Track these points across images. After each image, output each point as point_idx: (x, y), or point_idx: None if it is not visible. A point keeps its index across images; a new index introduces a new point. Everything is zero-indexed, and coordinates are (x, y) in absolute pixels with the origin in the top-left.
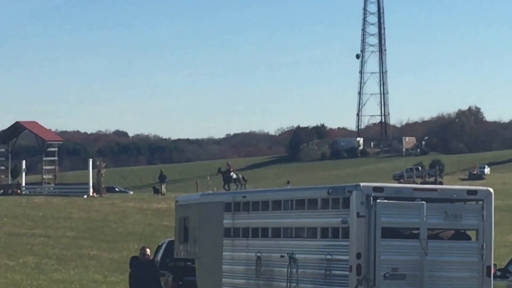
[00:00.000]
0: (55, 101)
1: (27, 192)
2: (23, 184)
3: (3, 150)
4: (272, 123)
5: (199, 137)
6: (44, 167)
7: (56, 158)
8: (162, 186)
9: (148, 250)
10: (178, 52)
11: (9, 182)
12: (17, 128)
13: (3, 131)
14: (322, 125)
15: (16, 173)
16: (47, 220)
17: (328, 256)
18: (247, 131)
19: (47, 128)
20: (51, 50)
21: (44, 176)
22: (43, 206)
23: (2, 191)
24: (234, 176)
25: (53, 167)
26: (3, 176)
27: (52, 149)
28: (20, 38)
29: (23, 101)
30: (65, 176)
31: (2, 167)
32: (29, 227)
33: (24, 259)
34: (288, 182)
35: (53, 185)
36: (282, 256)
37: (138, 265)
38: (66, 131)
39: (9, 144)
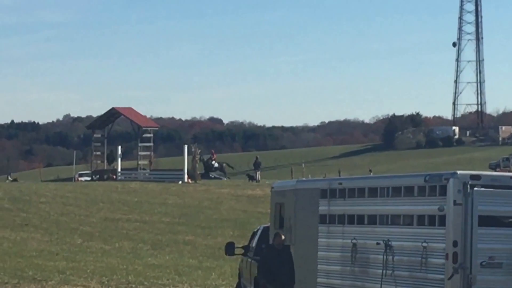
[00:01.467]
0: (151, 88)
1: (123, 177)
2: (119, 169)
3: (99, 135)
4: (367, 111)
5: (294, 124)
6: (140, 153)
7: (151, 144)
8: (257, 173)
9: (283, 237)
10: (273, 40)
11: (105, 168)
12: (113, 114)
13: (99, 117)
14: (417, 114)
15: (111, 158)
16: (142, 205)
17: (424, 244)
18: (342, 119)
19: (143, 114)
20: (148, 37)
21: (139, 162)
22: (139, 191)
23: (98, 176)
24: (216, 165)
25: (148, 153)
26: (99, 162)
27: (148, 135)
28: (118, 25)
29: (119, 87)
30: (160, 162)
31: (98, 153)
32: (125, 212)
33: (119, 244)
34: (370, 171)
35: (148, 171)
36: (378, 243)
37: (272, 252)
38: (161, 118)
39: (105, 130)
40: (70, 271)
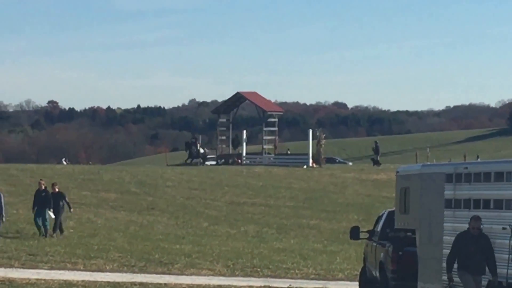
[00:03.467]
0: (276, 72)
1: (248, 162)
2: (244, 154)
3: (224, 120)
4: (493, 95)
5: (419, 109)
6: (265, 137)
7: (276, 128)
8: (377, 157)
9: (480, 221)
10: (399, 24)
11: (230, 152)
12: (238, 98)
13: (225, 101)
14: None
15: (237, 143)
16: (267, 189)
17: None
18: (467, 103)
19: (267, 98)
20: (273, 21)
21: (264, 146)
22: (264, 175)
23: (223, 160)
24: (201, 150)
25: (273, 137)
26: (224, 146)
27: (272, 119)
28: (241, 10)
29: (244, 72)
30: (284, 147)
31: (223, 137)
32: (250, 196)
33: (245, 227)
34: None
35: (273, 155)
36: (504, 228)
37: (467, 239)
38: (286, 102)
39: (230, 115)
40: (196, 254)
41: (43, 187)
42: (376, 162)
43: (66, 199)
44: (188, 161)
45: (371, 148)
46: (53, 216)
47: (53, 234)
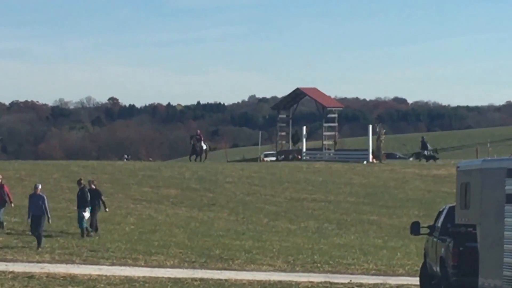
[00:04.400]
0: (336, 68)
1: (308, 157)
2: (304, 149)
3: (284, 116)
4: None
5: (479, 104)
6: (324, 133)
7: (336, 124)
8: (426, 152)
9: None
10: (459, 18)
11: (290, 148)
12: (297, 94)
13: (285, 97)
14: None
15: (296, 138)
16: (327, 185)
17: None
18: None
19: (327, 94)
20: (333, 16)
21: (324, 142)
22: (323, 171)
23: (283, 156)
24: (204, 146)
25: (333, 133)
26: (284, 142)
27: (332, 115)
28: (301, 6)
29: (304, 67)
30: (344, 142)
31: (283, 133)
32: (310, 192)
33: (305, 223)
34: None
35: (333, 151)
36: None
37: None
38: (345, 98)
39: (290, 111)
40: (256, 250)
41: (81, 186)
42: (431, 157)
43: (102, 197)
44: (193, 158)
45: (421, 143)
46: (87, 215)
47: (90, 232)
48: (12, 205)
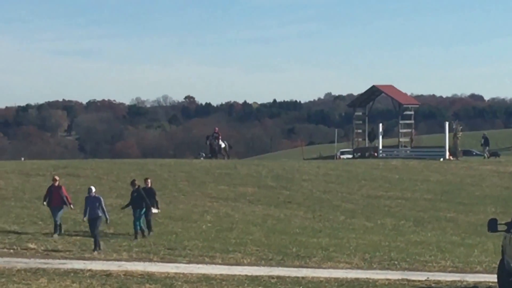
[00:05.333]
0: (411, 65)
1: (384, 155)
2: (380, 147)
3: (360, 113)
4: None
5: None
6: (401, 130)
7: (412, 121)
8: (486, 149)
9: None
10: None
11: (366, 145)
12: (373, 92)
13: (360, 95)
14: None
15: (373, 136)
16: (404, 182)
17: None
18: None
19: (403, 92)
20: (408, 13)
21: (400, 139)
22: (400, 169)
23: (359, 154)
24: (223, 145)
25: (409, 130)
26: (360, 139)
27: (409, 112)
28: (378, 3)
29: (380, 65)
30: (421, 139)
31: (359, 131)
32: (386, 189)
33: (381, 220)
34: None
35: (409, 148)
36: None
37: None
38: (422, 95)
39: (366, 108)
40: (333, 247)
41: (136, 186)
42: (494, 154)
43: (156, 196)
44: (209, 156)
45: (483, 140)
46: (155, 211)
47: (148, 232)
48: (72, 206)
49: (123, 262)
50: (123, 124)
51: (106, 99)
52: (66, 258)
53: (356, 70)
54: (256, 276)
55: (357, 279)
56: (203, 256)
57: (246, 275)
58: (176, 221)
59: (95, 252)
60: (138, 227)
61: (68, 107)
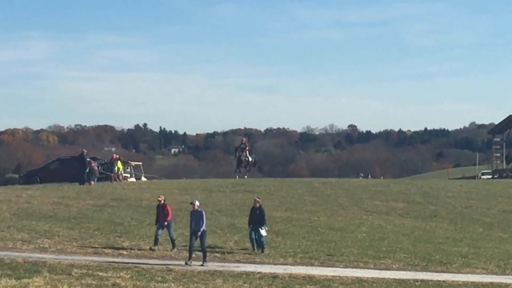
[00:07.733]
0: None
1: None
2: None
3: (498, 139)
4: None
5: None
6: None
7: None
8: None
9: None
10: None
11: (504, 167)
12: (510, 120)
13: (499, 123)
14: None
15: (509, 159)
16: None
17: None
18: None
19: None
20: None
21: None
22: None
23: (497, 175)
24: (250, 158)
25: None
26: (498, 162)
27: None
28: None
29: None
30: None
31: (498, 154)
32: None
33: None
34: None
35: None
36: None
37: None
38: None
39: (504, 134)
40: (471, 255)
41: (257, 205)
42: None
43: (265, 216)
44: (237, 172)
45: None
46: (264, 234)
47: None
48: (166, 223)
49: (288, 266)
50: (295, 149)
51: (281, 127)
52: (239, 261)
53: (497, 102)
54: (403, 280)
55: (491, 283)
56: (357, 262)
57: (394, 279)
58: (336, 231)
59: (204, 265)
60: (256, 241)
61: (249, 133)
